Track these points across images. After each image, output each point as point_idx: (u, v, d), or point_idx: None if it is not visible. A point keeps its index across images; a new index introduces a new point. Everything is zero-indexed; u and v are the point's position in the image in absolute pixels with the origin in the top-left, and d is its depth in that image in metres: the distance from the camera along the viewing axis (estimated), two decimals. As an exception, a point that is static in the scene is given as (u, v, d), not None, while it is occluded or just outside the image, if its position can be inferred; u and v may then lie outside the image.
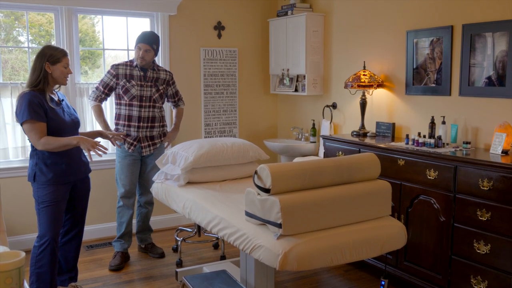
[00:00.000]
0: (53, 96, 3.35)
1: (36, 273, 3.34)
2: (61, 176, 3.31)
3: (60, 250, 3.58)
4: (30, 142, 3.30)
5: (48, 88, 3.30)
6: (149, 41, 4.10)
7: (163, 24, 5.08)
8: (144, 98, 4.17)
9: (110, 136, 3.72)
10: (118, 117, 4.23)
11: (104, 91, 4.19)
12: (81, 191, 3.53)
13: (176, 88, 4.47)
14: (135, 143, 4.19)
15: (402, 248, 3.57)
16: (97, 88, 4.21)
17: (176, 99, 4.51)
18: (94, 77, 5.00)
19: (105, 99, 4.26)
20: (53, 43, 4.67)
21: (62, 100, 3.44)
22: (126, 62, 4.22)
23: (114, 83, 4.16)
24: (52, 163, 3.28)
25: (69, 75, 3.37)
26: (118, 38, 5.03)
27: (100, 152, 3.30)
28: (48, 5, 4.53)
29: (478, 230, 3.11)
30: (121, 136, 3.91)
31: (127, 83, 4.13)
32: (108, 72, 4.19)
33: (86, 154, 3.37)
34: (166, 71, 4.37)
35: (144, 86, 4.17)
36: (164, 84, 4.31)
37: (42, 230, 3.33)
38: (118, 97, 4.20)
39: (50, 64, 3.25)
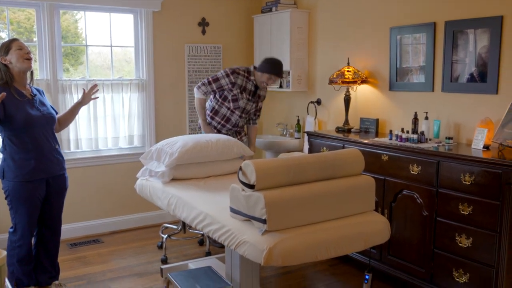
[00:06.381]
0: (22, 90, 3.34)
1: (11, 271, 3.39)
2: (30, 173, 3.31)
3: (39, 249, 3.58)
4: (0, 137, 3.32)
5: (15, 82, 3.31)
6: (282, 74, 4.33)
7: (147, 20, 5.04)
8: (245, 110, 4.36)
9: (86, 98, 3.73)
10: (215, 112, 4.37)
11: (215, 89, 4.30)
12: (55, 188, 3.52)
13: (262, 104, 4.57)
14: None
15: (386, 243, 3.59)
16: (209, 83, 4.30)
17: (257, 114, 4.59)
18: (76, 74, 4.95)
19: (210, 95, 4.39)
20: (35, 39, 4.61)
21: (35, 95, 3.41)
22: (245, 72, 4.31)
23: (228, 89, 4.27)
24: (20, 158, 3.29)
25: (31, 58, 3.34)
26: (101, 34, 4.98)
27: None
28: (29, 1, 4.47)
29: (460, 224, 3.15)
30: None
31: (239, 95, 4.28)
32: (228, 76, 4.26)
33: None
34: (265, 89, 4.50)
35: (251, 101, 4.36)
36: (262, 100, 4.50)
37: (15, 227, 3.38)
38: (224, 98, 4.32)
39: (4, 56, 3.26)
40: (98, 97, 3.91)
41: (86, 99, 3.73)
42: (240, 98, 4.27)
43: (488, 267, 3.01)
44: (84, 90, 3.75)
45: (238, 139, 4.46)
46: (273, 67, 4.24)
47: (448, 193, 3.22)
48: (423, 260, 3.43)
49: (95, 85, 3.71)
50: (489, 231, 2.99)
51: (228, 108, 4.32)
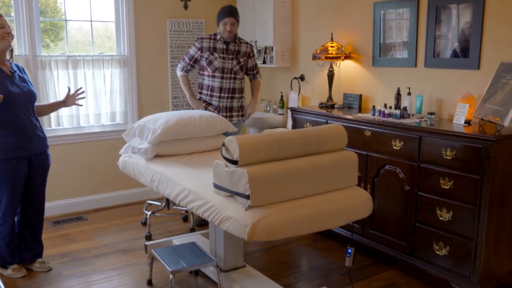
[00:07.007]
0: (1, 66, 3.29)
1: None
2: (12, 150, 3.28)
3: (22, 226, 3.55)
4: None
5: None
6: (233, 14, 4.23)
7: (128, -6, 4.95)
8: (225, 70, 4.29)
9: (70, 100, 3.73)
10: (201, 86, 4.41)
11: (190, 62, 4.38)
12: (38, 166, 3.48)
13: (255, 61, 4.54)
14: (215, 112, 4.30)
15: (368, 217, 3.64)
16: (183, 59, 4.43)
17: (254, 72, 4.55)
18: (57, 50, 4.85)
19: (191, 70, 4.46)
20: (12, 14, 4.50)
21: (15, 71, 3.35)
22: (210, 35, 4.34)
23: (199, 56, 4.31)
24: (1, 136, 3.26)
25: (12, 37, 3.31)
26: (81, 9, 4.87)
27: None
28: (5, -26, 4.35)
29: (441, 198, 3.20)
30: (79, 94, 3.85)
31: (211, 56, 4.27)
32: (194, 45, 4.35)
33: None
34: (247, 43, 4.44)
35: (226, 58, 4.29)
36: (245, 56, 4.40)
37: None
38: (202, 69, 4.36)
39: None
40: (82, 105, 3.98)
41: (69, 100, 3.70)
42: (213, 59, 4.26)
43: (468, 240, 3.08)
44: (69, 89, 3.70)
45: (230, 114, 4.38)
46: (222, 12, 4.25)
47: (430, 168, 3.26)
48: (405, 234, 3.49)
49: (80, 88, 3.75)
50: (469, 205, 3.04)
51: (209, 75, 4.31)
